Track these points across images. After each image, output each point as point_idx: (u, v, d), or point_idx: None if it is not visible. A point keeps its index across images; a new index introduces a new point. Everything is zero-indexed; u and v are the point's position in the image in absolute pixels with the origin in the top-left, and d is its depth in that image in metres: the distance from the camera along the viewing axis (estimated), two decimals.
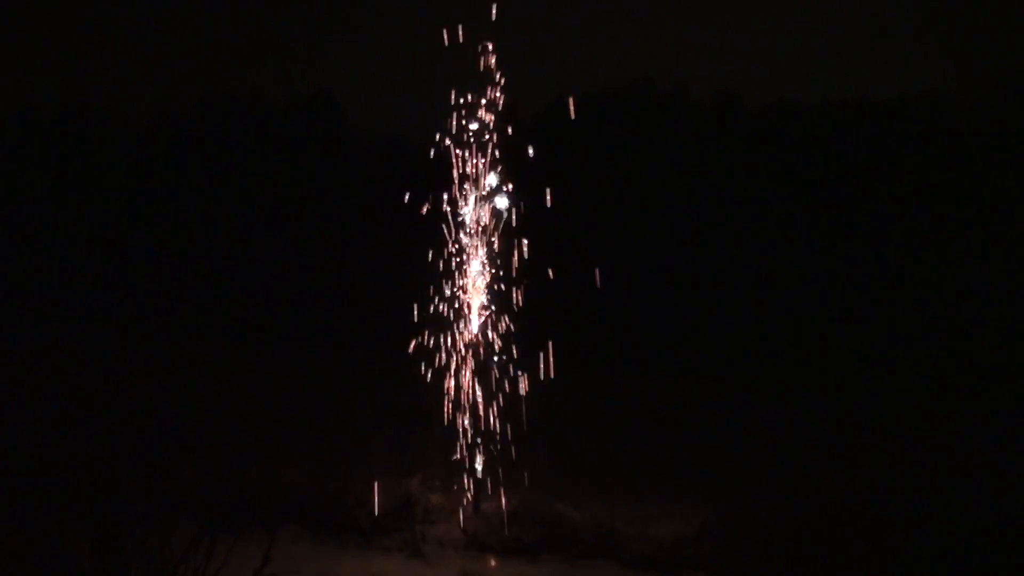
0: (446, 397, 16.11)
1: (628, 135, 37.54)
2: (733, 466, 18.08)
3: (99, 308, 33.24)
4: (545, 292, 16.22)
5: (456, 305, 16.12)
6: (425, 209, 15.79)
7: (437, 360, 16.09)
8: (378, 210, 33.98)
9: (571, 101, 16.25)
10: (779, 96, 40.03)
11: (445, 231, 15.94)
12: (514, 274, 15.97)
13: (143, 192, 40.54)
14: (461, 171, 15.81)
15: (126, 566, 10.84)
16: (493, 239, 15.91)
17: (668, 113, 39.57)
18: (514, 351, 16.06)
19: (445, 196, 15.86)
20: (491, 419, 16.13)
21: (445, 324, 16.08)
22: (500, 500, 16.12)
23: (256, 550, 11.86)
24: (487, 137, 15.79)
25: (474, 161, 15.73)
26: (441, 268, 16.08)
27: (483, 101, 15.78)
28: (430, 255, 16.05)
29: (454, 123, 15.82)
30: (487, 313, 16.07)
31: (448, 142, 15.81)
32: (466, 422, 16.15)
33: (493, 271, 16.06)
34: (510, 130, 15.86)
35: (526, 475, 16.10)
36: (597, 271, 16.10)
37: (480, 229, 15.94)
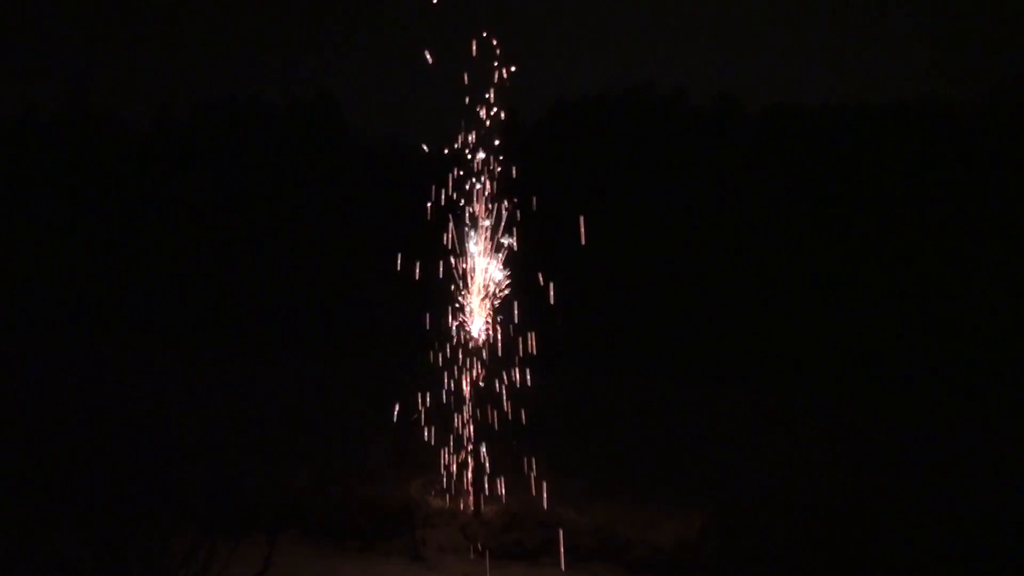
0: (447, 402, 16.14)
1: (628, 138, 37.55)
2: (733, 469, 18.09)
3: (101, 313, 33.26)
4: (545, 297, 16.25)
5: (459, 311, 16.15)
6: (430, 214, 15.87)
7: (438, 364, 16.12)
8: (379, 214, 34.09)
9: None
10: (779, 99, 40.02)
11: (448, 239, 16.00)
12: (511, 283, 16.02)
13: (144, 196, 40.55)
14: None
15: (127, 569, 10.85)
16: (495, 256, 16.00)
17: (668, 116, 39.57)
18: (514, 359, 16.09)
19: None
20: (492, 424, 16.16)
21: (448, 330, 16.11)
22: (500, 504, 16.14)
23: (257, 554, 11.88)
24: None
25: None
26: (444, 275, 16.13)
27: (487, 113, 15.83)
28: (433, 259, 16.11)
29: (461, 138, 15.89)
30: (489, 320, 16.10)
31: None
32: (467, 427, 16.17)
33: (495, 277, 16.10)
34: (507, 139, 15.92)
35: (526, 479, 16.11)
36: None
37: (484, 238, 16.01)
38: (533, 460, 16.10)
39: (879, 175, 34.97)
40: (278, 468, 15.63)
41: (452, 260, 16.13)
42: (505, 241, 16.00)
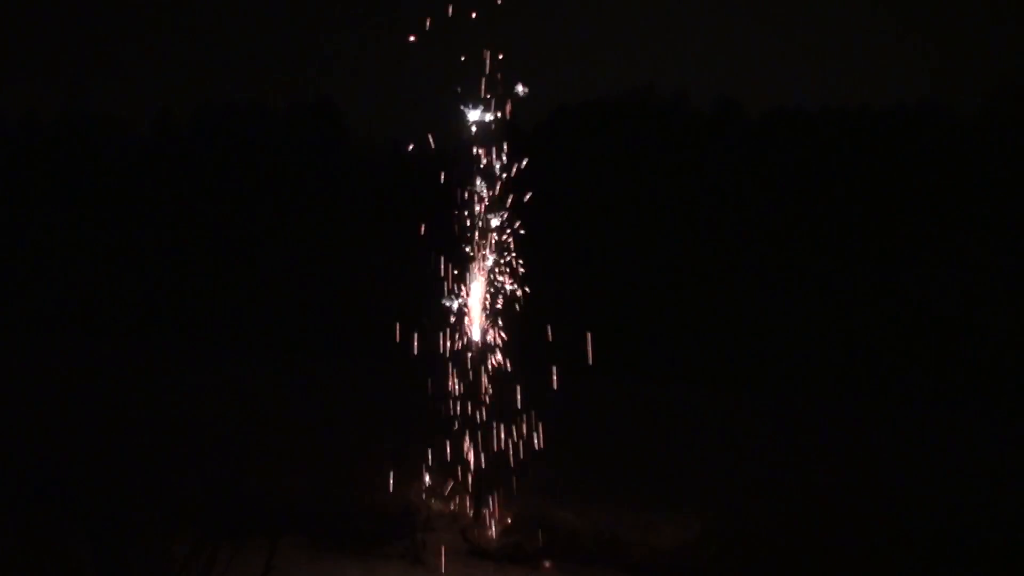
0: (448, 405, 16.15)
1: (628, 142, 37.59)
2: (734, 472, 18.10)
3: (102, 315, 33.29)
4: (545, 299, 16.28)
5: (459, 313, 16.17)
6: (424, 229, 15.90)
7: (439, 368, 16.13)
8: (380, 217, 34.12)
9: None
10: (779, 103, 40.08)
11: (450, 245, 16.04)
12: (512, 283, 16.02)
13: (145, 199, 40.58)
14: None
15: (128, 573, 10.87)
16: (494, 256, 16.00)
17: (668, 120, 39.61)
18: (512, 360, 16.11)
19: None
20: (493, 427, 16.17)
21: (448, 332, 16.13)
22: (501, 508, 16.16)
23: (258, 558, 11.91)
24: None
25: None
26: (443, 274, 16.14)
27: (488, 117, 15.84)
28: (433, 262, 16.12)
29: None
30: (489, 321, 16.12)
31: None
32: (468, 430, 16.19)
33: (495, 279, 16.12)
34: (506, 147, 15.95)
35: (527, 482, 16.13)
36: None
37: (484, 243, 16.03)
38: (533, 464, 16.12)
39: (879, 179, 35.02)
40: (279, 472, 15.66)
41: (452, 264, 16.13)
42: (507, 255, 16.00)
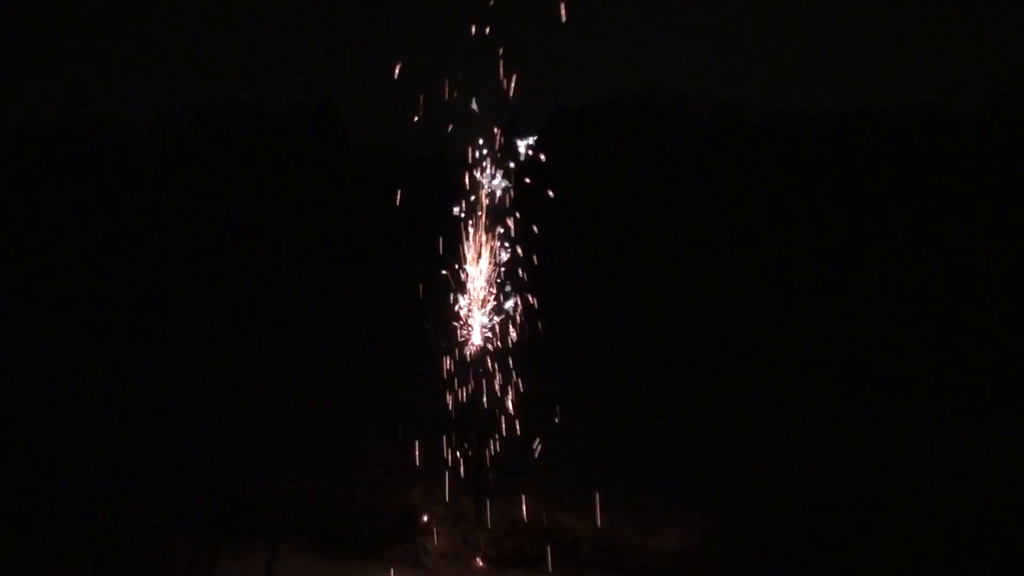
0: (449, 409, 16.14)
1: (629, 146, 37.60)
2: (735, 476, 18.09)
3: (102, 317, 33.26)
4: (546, 303, 16.27)
5: (460, 317, 16.16)
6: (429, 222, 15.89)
7: (440, 371, 16.12)
8: (380, 220, 34.12)
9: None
10: (780, 106, 40.08)
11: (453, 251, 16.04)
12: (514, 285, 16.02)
13: (145, 202, 40.60)
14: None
15: None
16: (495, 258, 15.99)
17: (669, 124, 39.62)
18: (513, 364, 16.10)
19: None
20: (494, 431, 16.15)
21: (448, 335, 16.12)
22: (502, 511, 16.14)
23: (259, 562, 11.88)
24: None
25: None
26: (446, 278, 16.13)
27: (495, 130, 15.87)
28: (434, 263, 16.13)
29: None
30: (490, 325, 16.11)
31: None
32: (469, 433, 16.17)
33: (497, 281, 16.11)
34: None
35: (529, 486, 16.11)
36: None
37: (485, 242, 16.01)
38: (534, 468, 16.10)
39: (880, 181, 35.04)
40: (280, 475, 15.64)
41: (452, 269, 16.12)
42: (507, 254, 15.99)
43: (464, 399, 16.15)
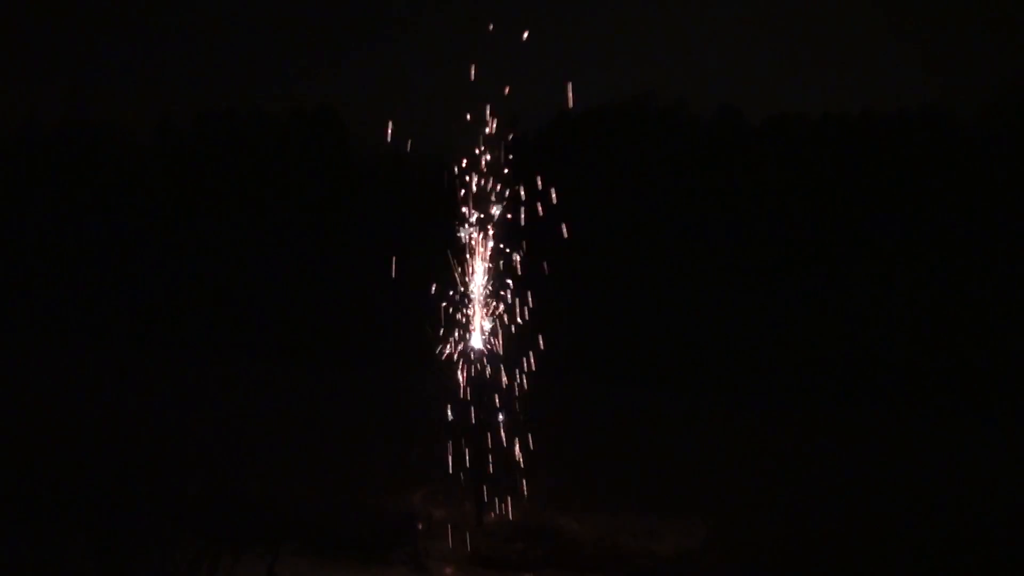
0: (449, 412, 16.14)
1: (629, 149, 37.63)
2: (736, 478, 18.08)
3: (104, 321, 33.30)
4: (547, 306, 16.28)
5: (461, 320, 16.16)
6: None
7: (440, 374, 16.12)
8: (381, 224, 34.16)
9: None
10: (780, 109, 40.08)
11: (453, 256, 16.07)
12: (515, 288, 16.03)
13: (146, 206, 40.64)
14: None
15: None
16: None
17: (670, 127, 39.65)
18: (514, 367, 16.10)
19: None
20: (495, 434, 16.15)
21: (449, 338, 16.13)
22: (503, 514, 16.13)
23: (259, 565, 11.89)
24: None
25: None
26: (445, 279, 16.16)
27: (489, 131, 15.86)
28: (435, 264, 16.14)
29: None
30: (491, 327, 16.11)
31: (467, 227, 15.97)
32: (469, 436, 16.17)
33: (497, 284, 16.13)
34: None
35: (529, 489, 16.11)
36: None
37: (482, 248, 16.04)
38: (536, 471, 16.10)
39: (881, 184, 35.06)
40: (281, 478, 15.65)
41: (454, 273, 16.14)
42: (511, 256, 16.01)
43: (465, 402, 16.16)
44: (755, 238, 35.05)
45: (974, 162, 35.03)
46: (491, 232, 16.12)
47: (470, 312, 16.13)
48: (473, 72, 15.71)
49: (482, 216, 16.07)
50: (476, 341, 16.05)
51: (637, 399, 25.49)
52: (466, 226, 16.08)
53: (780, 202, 35.72)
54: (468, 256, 16.16)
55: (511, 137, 16.14)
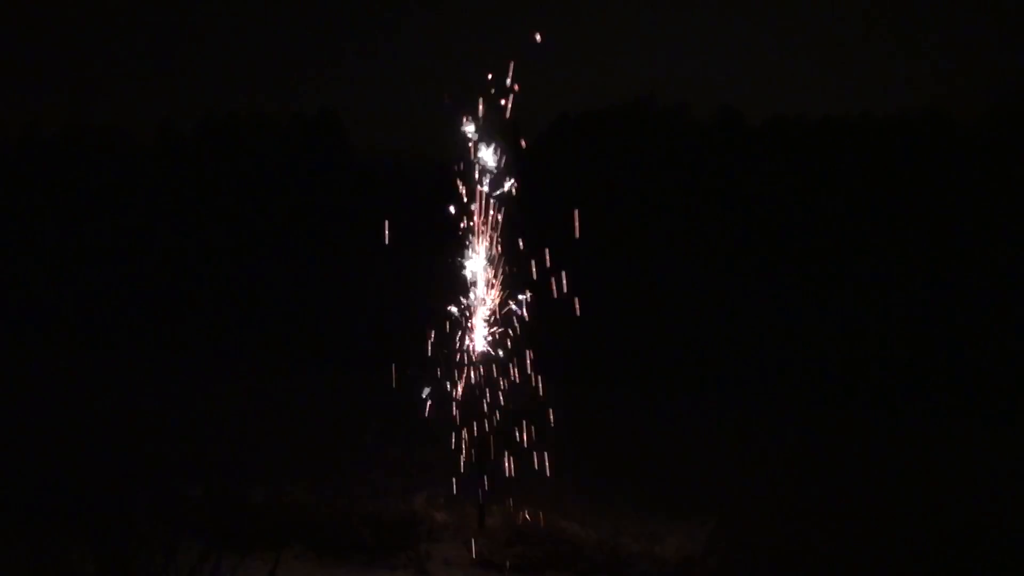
0: (451, 415, 16.14)
1: (630, 151, 37.69)
2: (739, 481, 18.06)
3: (105, 326, 33.34)
4: (548, 309, 16.27)
5: (462, 321, 16.16)
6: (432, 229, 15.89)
7: (442, 377, 16.12)
8: (382, 229, 34.15)
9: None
10: (781, 111, 40.16)
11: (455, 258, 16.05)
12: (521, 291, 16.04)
13: (148, 211, 40.71)
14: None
15: None
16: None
17: (670, 129, 39.71)
18: (517, 369, 16.09)
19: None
20: (496, 437, 16.14)
21: (451, 341, 16.12)
22: (505, 517, 16.13)
23: (261, 569, 11.87)
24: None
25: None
26: (447, 282, 16.14)
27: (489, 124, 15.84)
28: (436, 266, 16.14)
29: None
30: (493, 329, 16.11)
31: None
32: (471, 439, 16.16)
33: (499, 287, 16.12)
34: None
35: (531, 492, 16.10)
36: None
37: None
38: (537, 474, 16.09)
39: (881, 187, 35.11)
40: (282, 482, 15.65)
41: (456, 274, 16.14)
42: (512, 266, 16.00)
43: (467, 404, 16.16)
44: (756, 240, 35.07)
45: (974, 165, 35.07)
46: (492, 234, 16.12)
47: (472, 314, 16.14)
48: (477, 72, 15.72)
49: (482, 218, 16.08)
50: (479, 343, 16.06)
51: (637, 401, 25.48)
52: (467, 228, 16.09)
53: (780, 204, 35.74)
54: (470, 258, 16.17)
55: (511, 139, 16.14)
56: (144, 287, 37.25)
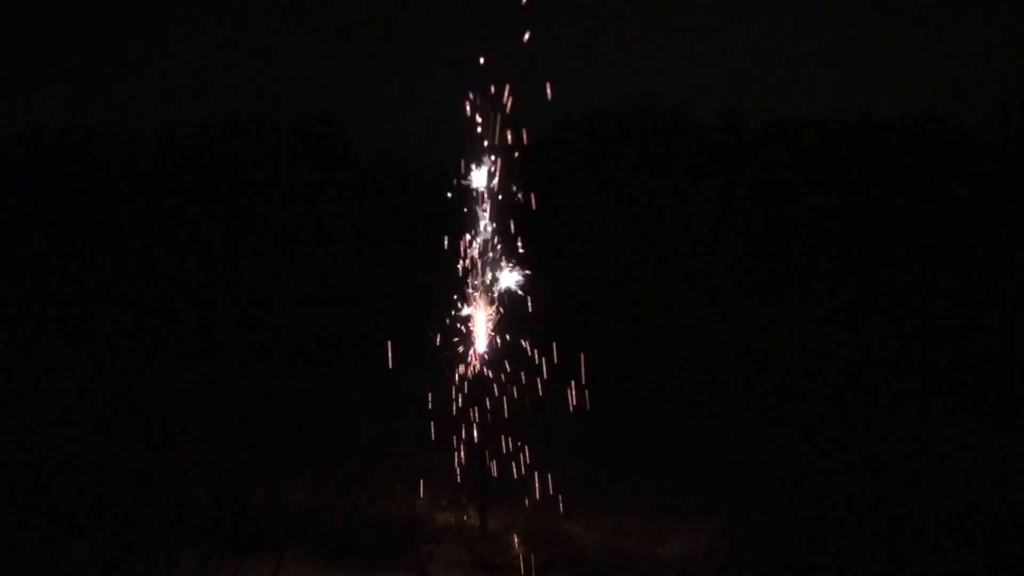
0: (452, 416, 16.14)
1: (631, 154, 37.69)
2: (740, 482, 18.06)
3: (105, 329, 33.35)
4: (547, 310, 16.27)
5: (464, 323, 16.16)
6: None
7: (443, 379, 16.12)
8: (383, 230, 34.24)
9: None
10: (782, 113, 40.15)
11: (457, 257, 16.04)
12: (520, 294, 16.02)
13: (148, 214, 40.72)
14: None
15: None
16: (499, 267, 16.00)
17: (671, 131, 39.70)
18: (518, 372, 16.09)
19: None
20: (498, 439, 16.14)
21: (452, 342, 16.12)
22: (507, 519, 16.12)
23: (263, 571, 11.86)
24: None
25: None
26: (449, 284, 16.15)
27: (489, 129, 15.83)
28: (437, 268, 16.14)
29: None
30: (493, 332, 16.11)
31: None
32: (473, 441, 16.15)
33: (500, 289, 16.12)
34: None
35: (533, 494, 16.09)
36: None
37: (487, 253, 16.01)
38: (539, 475, 16.09)
39: (882, 188, 35.11)
40: (284, 484, 15.63)
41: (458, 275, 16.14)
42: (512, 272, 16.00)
43: (469, 407, 16.15)
44: (757, 241, 35.06)
45: (976, 166, 35.07)
46: (494, 235, 16.13)
47: (473, 316, 16.14)
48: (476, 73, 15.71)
49: (483, 220, 16.08)
50: (480, 345, 16.06)
51: (639, 403, 25.49)
52: (468, 229, 16.10)
53: (782, 206, 35.74)
54: (471, 259, 16.16)
55: (512, 142, 16.14)
56: (144, 288, 37.26)
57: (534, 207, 15.75)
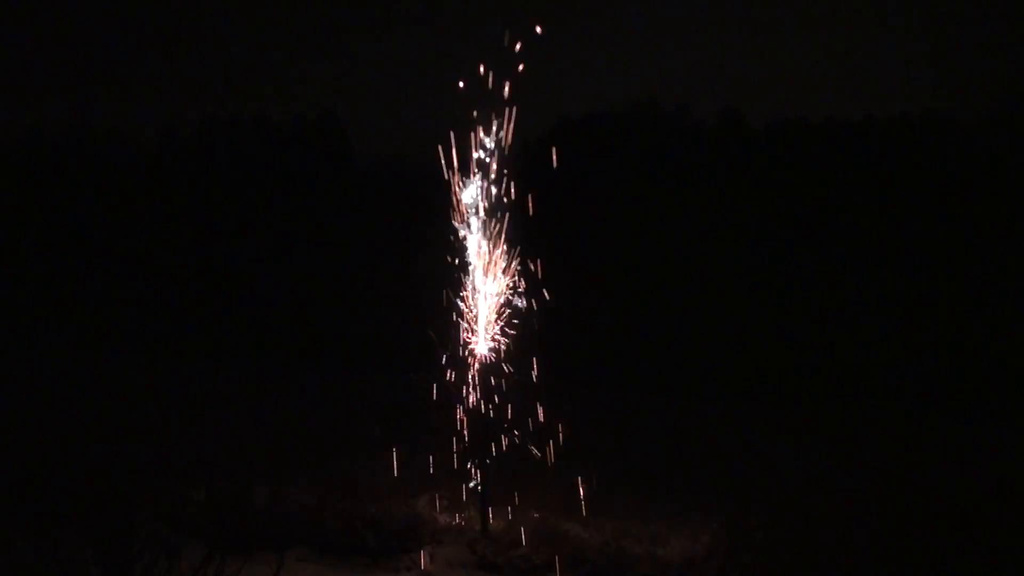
0: (454, 417, 16.15)
1: (632, 154, 37.65)
2: (740, 484, 18.06)
3: (108, 329, 33.35)
4: (549, 312, 16.28)
5: (465, 325, 16.17)
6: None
7: (445, 380, 16.14)
8: (383, 231, 34.23)
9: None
10: (783, 114, 40.07)
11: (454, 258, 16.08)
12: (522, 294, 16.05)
13: (150, 214, 40.70)
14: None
15: None
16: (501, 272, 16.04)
17: (672, 132, 39.66)
18: (519, 373, 16.11)
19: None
20: (500, 440, 16.16)
21: (453, 344, 16.14)
22: (508, 520, 16.13)
23: (264, 571, 11.90)
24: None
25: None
26: (449, 286, 16.17)
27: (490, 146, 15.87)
28: (438, 268, 16.17)
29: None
30: (494, 334, 16.12)
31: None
32: (474, 442, 16.18)
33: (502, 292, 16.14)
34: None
35: (534, 495, 16.11)
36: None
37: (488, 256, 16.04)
38: (540, 476, 16.11)
39: (883, 189, 35.07)
40: (285, 484, 15.65)
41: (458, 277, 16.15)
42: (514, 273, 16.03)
43: (471, 408, 16.16)
44: (757, 241, 35.04)
45: (976, 166, 35.03)
46: (494, 236, 16.14)
47: (475, 317, 16.15)
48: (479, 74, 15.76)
49: (484, 221, 16.10)
50: (482, 347, 16.06)
51: (640, 404, 25.47)
52: (470, 231, 16.11)
53: (783, 206, 35.71)
54: (472, 261, 16.18)
55: (512, 142, 16.17)
56: (146, 289, 37.25)
57: (531, 212, 15.81)
